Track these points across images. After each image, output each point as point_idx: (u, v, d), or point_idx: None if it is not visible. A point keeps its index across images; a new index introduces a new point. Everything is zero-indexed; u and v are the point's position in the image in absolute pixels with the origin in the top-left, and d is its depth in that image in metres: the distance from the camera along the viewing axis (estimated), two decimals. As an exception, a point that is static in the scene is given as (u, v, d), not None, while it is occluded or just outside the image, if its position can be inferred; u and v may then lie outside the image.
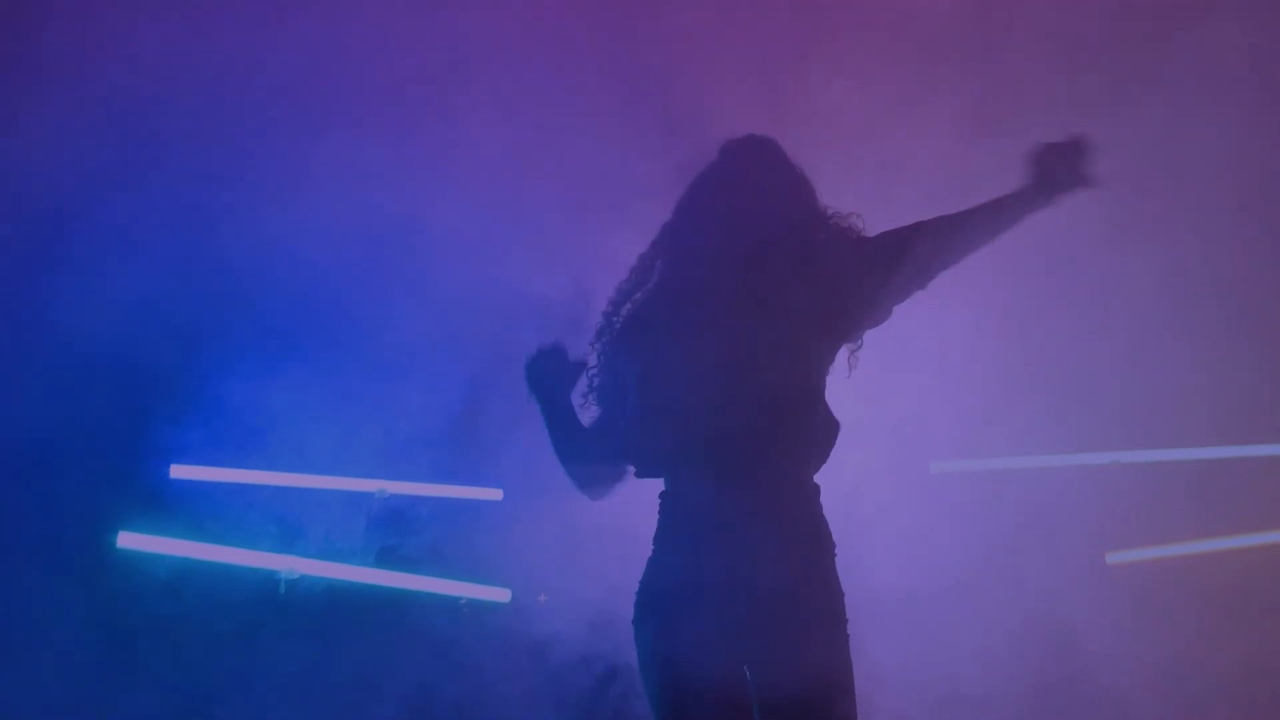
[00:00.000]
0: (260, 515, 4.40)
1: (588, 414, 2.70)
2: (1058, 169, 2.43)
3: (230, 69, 4.36)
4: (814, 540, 2.46)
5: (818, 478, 2.53)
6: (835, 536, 2.53)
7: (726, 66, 4.37)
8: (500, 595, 4.53)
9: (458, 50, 4.47)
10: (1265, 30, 4.32)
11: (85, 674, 4.10)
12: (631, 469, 2.65)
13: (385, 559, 4.51)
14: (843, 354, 2.60)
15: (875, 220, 2.63)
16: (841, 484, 2.69)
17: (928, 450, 4.48)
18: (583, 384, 2.72)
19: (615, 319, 2.66)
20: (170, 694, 4.14)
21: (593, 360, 2.68)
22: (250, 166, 4.32)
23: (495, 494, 4.62)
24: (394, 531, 4.57)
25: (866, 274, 2.51)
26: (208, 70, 4.34)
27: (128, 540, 4.25)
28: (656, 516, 2.56)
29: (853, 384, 2.66)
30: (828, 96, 4.11)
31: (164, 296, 4.31)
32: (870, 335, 2.65)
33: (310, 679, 4.29)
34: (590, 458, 2.68)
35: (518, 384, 4.37)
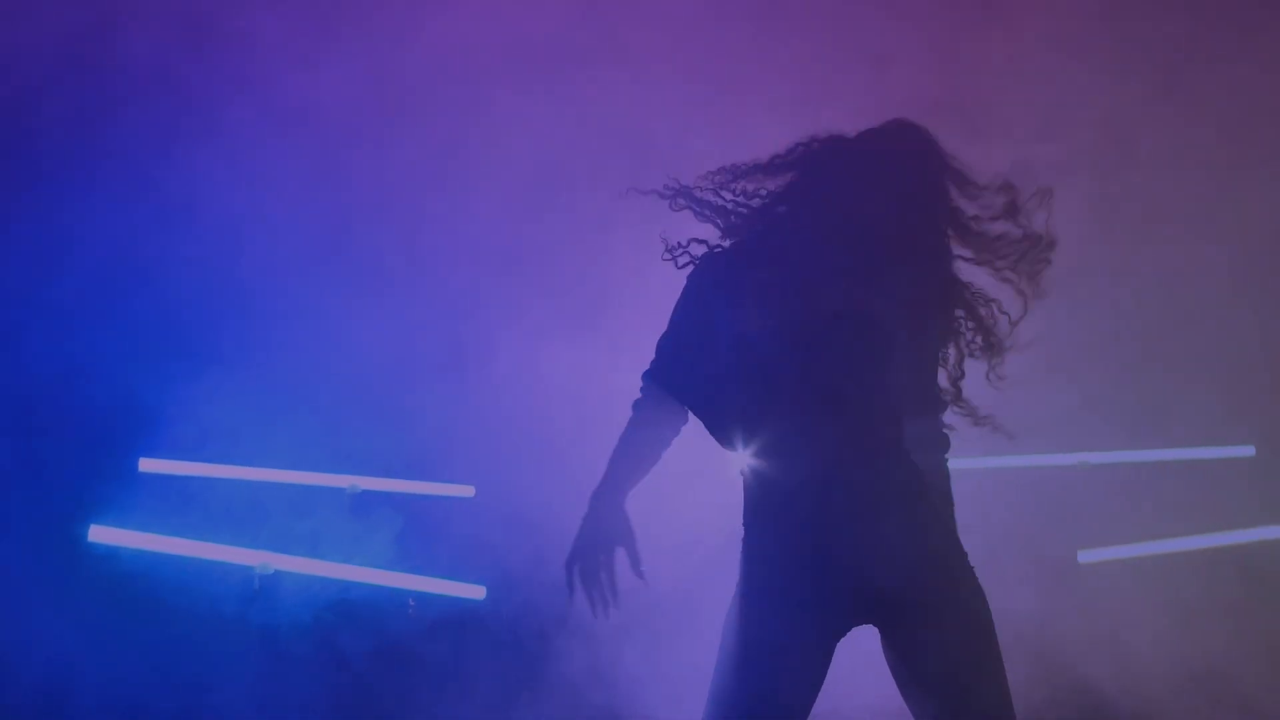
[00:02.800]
0: (233, 510, 4.42)
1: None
2: None
3: (201, 73, 4.44)
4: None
5: None
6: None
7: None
8: (475, 593, 4.59)
9: (439, 48, 4.52)
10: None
11: (57, 667, 4.14)
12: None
13: (357, 555, 4.53)
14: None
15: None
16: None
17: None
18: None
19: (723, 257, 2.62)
20: (143, 686, 4.18)
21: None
22: (231, 165, 4.39)
23: (468, 490, 4.67)
24: (366, 527, 4.58)
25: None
26: (189, 70, 4.42)
27: (99, 534, 4.29)
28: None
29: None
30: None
31: (138, 291, 4.39)
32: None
33: (284, 675, 4.35)
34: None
35: (491, 383, 4.49)
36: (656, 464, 2.63)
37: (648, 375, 2.64)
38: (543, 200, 4.54)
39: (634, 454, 2.60)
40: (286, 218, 4.43)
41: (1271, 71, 4.49)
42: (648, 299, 4.27)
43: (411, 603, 4.56)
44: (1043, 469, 4.74)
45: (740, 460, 2.54)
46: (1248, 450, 4.72)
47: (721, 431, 2.56)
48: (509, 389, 4.50)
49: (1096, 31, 4.55)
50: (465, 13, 4.54)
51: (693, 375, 2.59)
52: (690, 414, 2.63)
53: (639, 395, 2.64)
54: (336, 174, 4.47)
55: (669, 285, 4.23)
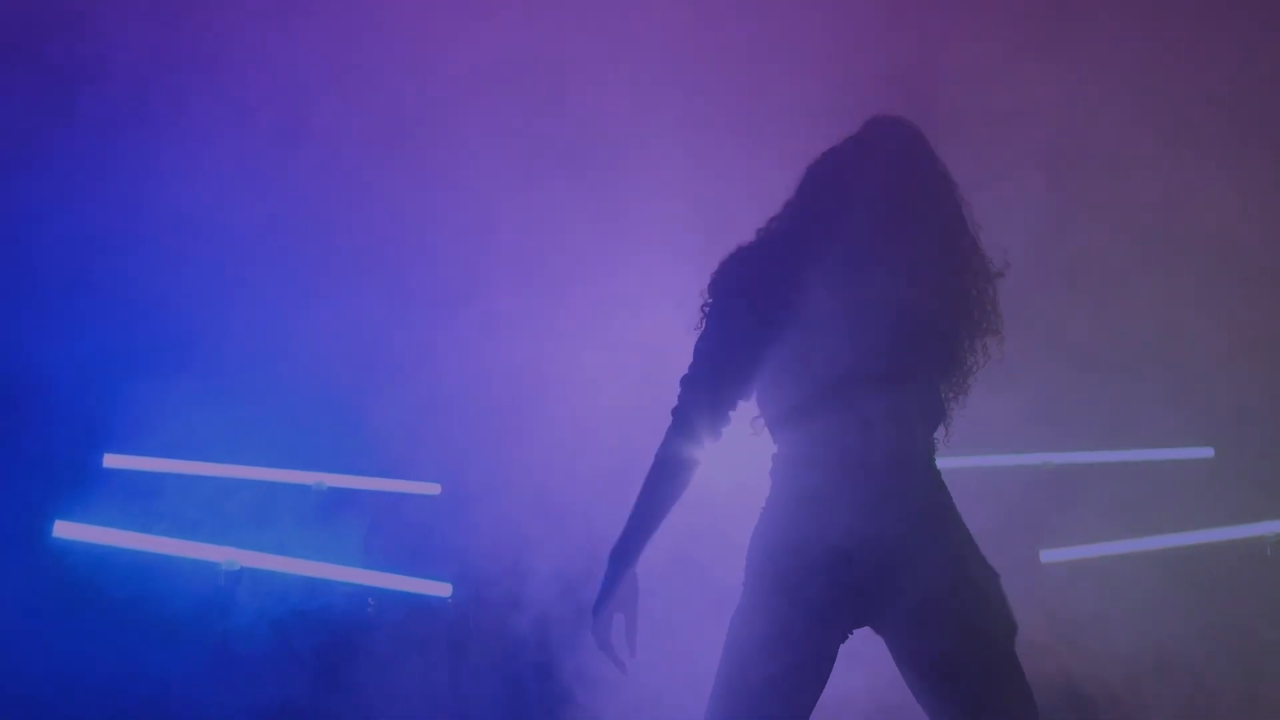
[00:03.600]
0: (201, 507, 4.44)
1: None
2: None
3: (161, 67, 4.44)
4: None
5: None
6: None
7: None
8: (441, 590, 4.62)
9: (395, 39, 4.56)
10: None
11: (19, 663, 4.14)
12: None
13: (322, 552, 4.54)
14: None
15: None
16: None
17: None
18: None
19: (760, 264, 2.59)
20: (107, 682, 4.18)
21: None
22: (196, 160, 4.41)
23: (433, 488, 4.71)
24: (331, 525, 4.60)
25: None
26: (150, 65, 4.41)
27: (64, 530, 4.29)
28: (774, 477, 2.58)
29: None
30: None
31: (103, 285, 4.39)
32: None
33: (249, 671, 4.35)
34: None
35: (456, 381, 4.53)
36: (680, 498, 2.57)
37: (690, 381, 2.57)
38: (506, 196, 4.55)
39: (661, 503, 2.52)
40: (249, 213, 4.45)
41: (1219, 74, 4.56)
42: (611, 295, 4.35)
43: (371, 603, 4.58)
44: (1007, 469, 4.81)
45: (774, 449, 2.57)
46: (1206, 452, 4.82)
47: (770, 423, 2.58)
48: (474, 387, 4.52)
49: (1045, 33, 4.60)
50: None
51: (742, 375, 2.56)
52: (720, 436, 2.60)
53: (678, 404, 2.56)
54: (302, 171, 4.48)
55: (631, 281, 4.28)
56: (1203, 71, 4.56)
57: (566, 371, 4.39)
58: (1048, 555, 4.76)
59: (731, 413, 2.55)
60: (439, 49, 4.52)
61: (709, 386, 2.54)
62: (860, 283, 2.53)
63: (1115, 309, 4.66)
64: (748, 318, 2.54)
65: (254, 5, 4.47)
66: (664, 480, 2.51)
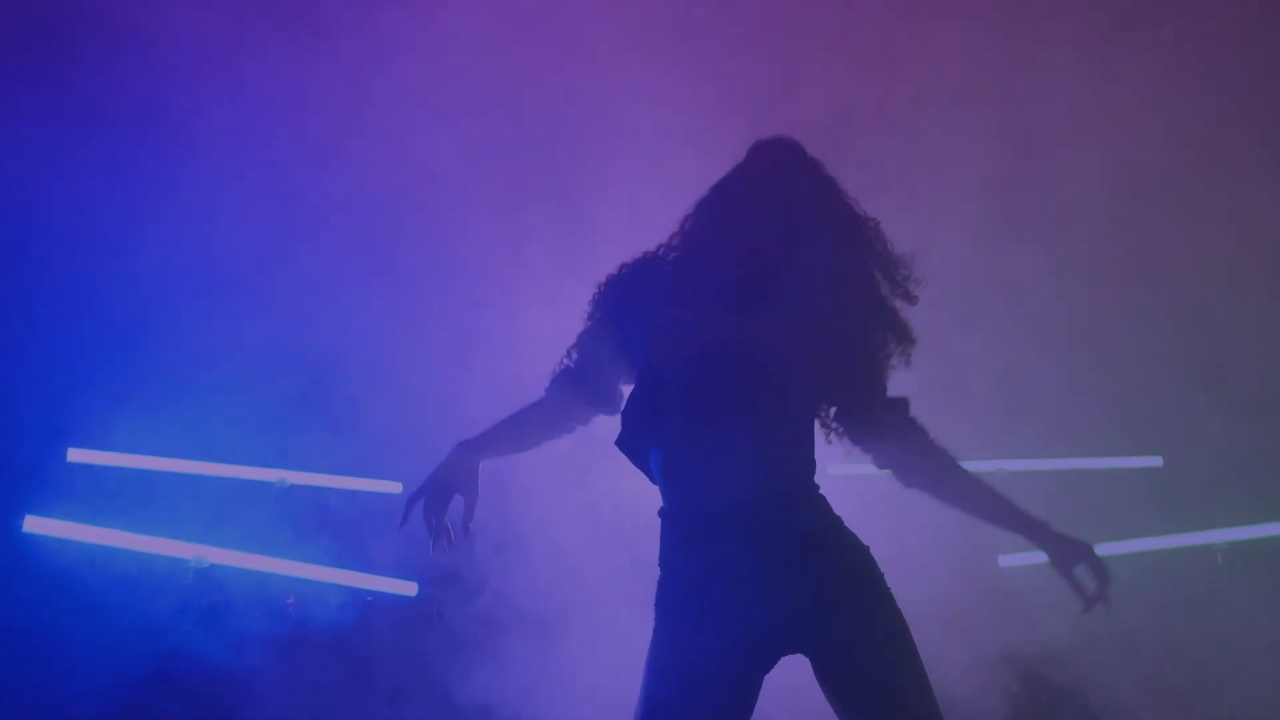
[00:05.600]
0: (173, 504, 4.50)
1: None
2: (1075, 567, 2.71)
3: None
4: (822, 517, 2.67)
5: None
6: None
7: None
8: (407, 589, 4.70)
9: (368, 45, 4.64)
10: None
11: None
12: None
13: (285, 549, 4.61)
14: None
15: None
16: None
17: (824, 453, 4.74)
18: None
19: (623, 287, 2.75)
20: (75, 679, 4.25)
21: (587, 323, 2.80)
22: (154, 150, 4.49)
23: (395, 486, 4.79)
24: (293, 521, 4.68)
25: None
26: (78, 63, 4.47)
27: (34, 525, 4.33)
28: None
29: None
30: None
31: (63, 281, 4.47)
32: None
33: (217, 667, 4.43)
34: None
35: (420, 376, 4.61)
36: (539, 446, 2.80)
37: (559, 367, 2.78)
38: (476, 199, 4.62)
39: (521, 424, 2.77)
40: (212, 212, 4.50)
41: (1149, 78, 4.68)
42: (577, 299, 4.48)
43: (291, 600, 4.63)
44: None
45: (661, 490, 2.67)
46: (1155, 460, 4.96)
47: (642, 461, 2.69)
48: (438, 385, 4.57)
49: (981, 42, 4.72)
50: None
51: (605, 397, 2.74)
52: (590, 420, 2.78)
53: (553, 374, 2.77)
54: (265, 169, 4.53)
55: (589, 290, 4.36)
56: (1139, 73, 4.68)
57: (529, 368, 4.44)
58: (1005, 560, 4.89)
59: (586, 402, 2.76)
60: (397, 49, 4.61)
61: (563, 373, 2.79)
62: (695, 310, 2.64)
63: (1065, 319, 4.77)
64: (592, 327, 2.76)
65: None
66: (519, 417, 2.79)
